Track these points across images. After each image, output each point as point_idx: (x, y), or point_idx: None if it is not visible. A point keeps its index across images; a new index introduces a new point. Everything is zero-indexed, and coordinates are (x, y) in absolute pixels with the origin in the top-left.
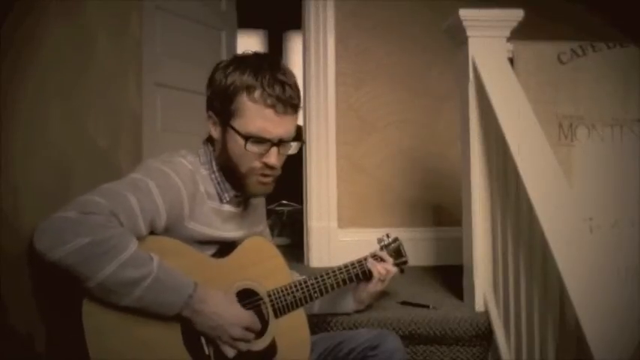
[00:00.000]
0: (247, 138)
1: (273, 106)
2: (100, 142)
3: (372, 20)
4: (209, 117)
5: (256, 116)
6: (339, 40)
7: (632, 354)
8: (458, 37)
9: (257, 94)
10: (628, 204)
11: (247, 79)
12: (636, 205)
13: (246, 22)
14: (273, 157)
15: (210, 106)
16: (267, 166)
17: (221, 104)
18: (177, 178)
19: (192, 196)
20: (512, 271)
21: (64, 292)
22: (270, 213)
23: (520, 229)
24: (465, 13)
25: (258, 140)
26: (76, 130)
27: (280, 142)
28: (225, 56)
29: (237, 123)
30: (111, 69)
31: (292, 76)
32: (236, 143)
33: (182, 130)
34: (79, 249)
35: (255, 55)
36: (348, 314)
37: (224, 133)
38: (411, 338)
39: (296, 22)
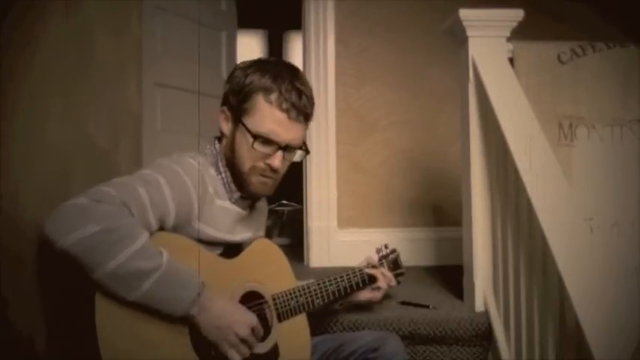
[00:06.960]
0: (256, 137)
1: (287, 111)
2: (100, 142)
3: (372, 20)
4: (222, 112)
5: (269, 118)
6: (339, 40)
7: (632, 354)
8: (458, 37)
9: (273, 96)
10: (628, 204)
11: (266, 81)
12: (636, 205)
13: (246, 22)
14: (277, 161)
15: (225, 101)
16: (270, 168)
17: (236, 101)
18: (187, 177)
19: (202, 197)
20: (512, 271)
21: (75, 289)
22: (270, 213)
23: (520, 229)
24: (465, 13)
25: (266, 141)
26: (76, 130)
27: (287, 147)
28: (225, 56)
29: (248, 121)
30: (111, 68)
31: (309, 87)
32: (244, 140)
33: (182, 130)
34: (89, 236)
35: (278, 60)
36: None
37: (234, 128)
38: (411, 338)
39: (296, 22)
